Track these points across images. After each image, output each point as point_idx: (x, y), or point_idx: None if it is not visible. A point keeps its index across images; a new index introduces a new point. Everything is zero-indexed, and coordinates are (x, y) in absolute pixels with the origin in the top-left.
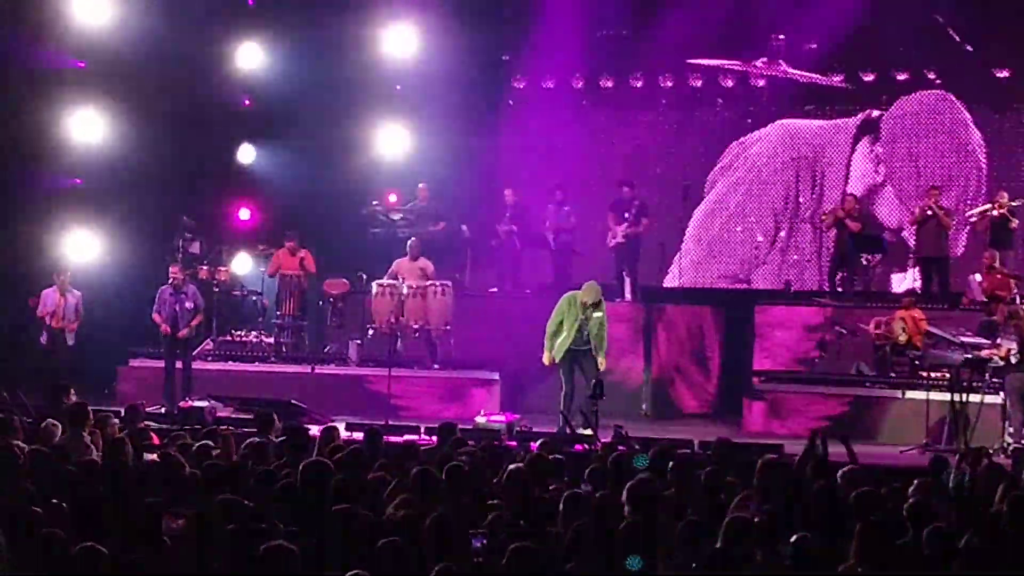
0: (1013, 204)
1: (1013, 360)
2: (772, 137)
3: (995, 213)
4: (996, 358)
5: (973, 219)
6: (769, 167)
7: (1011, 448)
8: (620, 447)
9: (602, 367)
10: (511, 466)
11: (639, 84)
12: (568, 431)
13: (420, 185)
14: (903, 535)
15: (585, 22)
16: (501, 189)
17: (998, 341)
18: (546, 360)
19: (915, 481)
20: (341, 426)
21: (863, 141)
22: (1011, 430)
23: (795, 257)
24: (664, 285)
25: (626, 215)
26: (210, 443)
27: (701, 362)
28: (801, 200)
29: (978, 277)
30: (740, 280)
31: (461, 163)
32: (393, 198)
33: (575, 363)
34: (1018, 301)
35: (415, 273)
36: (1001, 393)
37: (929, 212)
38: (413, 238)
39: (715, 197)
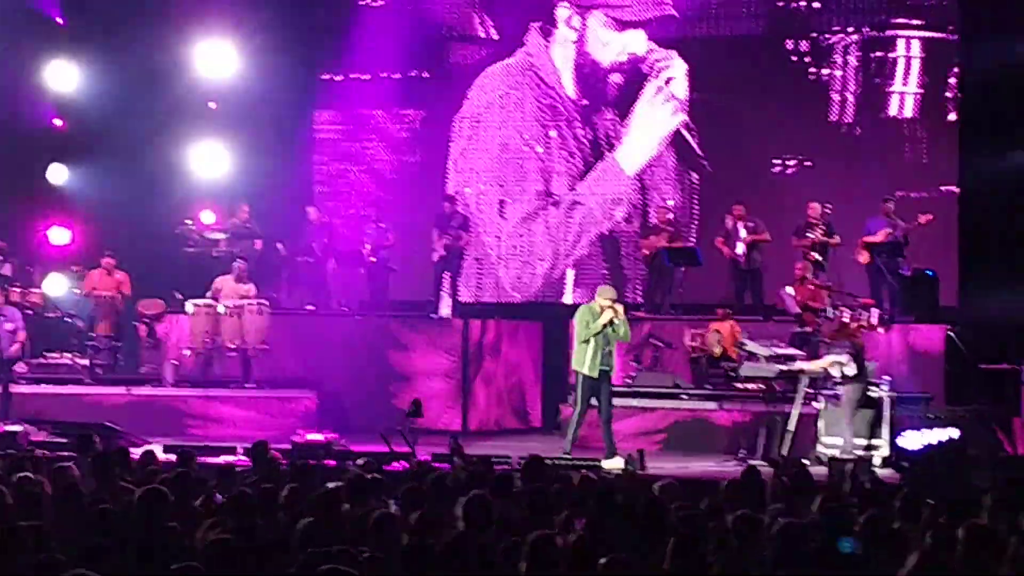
0: (827, 210)
1: (849, 373)
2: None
3: (819, 234)
4: (829, 371)
5: (803, 247)
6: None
7: (827, 458)
8: (452, 460)
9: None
10: (328, 485)
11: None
12: (389, 449)
13: (244, 206)
14: (727, 548)
15: (398, 35)
16: (317, 206)
17: (832, 355)
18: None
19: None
20: (158, 448)
21: None
22: (828, 440)
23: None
24: (482, 300)
25: (448, 230)
26: (27, 469)
27: (521, 376)
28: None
29: (790, 290)
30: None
31: (276, 180)
32: (211, 217)
33: (596, 389)
34: (830, 312)
35: (237, 293)
36: (815, 404)
37: (746, 240)
38: (241, 261)
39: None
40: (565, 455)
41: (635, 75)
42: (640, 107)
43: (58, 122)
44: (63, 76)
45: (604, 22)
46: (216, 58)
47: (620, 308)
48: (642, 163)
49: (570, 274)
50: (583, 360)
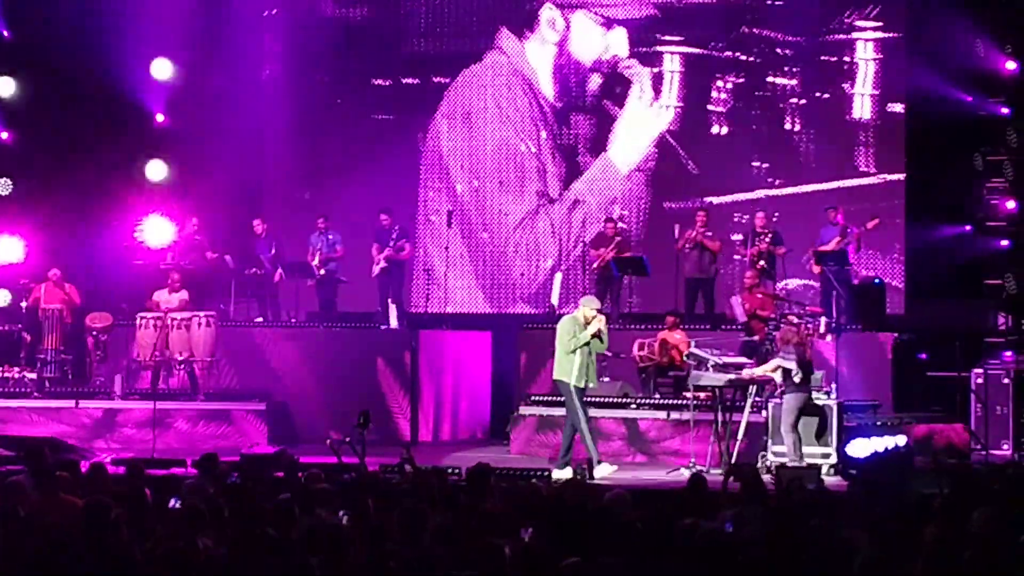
0: (773, 222)
1: (796, 380)
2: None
3: (766, 244)
4: (773, 375)
5: (745, 256)
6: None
7: (774, 466)
8: (402, 471)
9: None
10: (280, 496)
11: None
12: (337, 459)
13: (193, 218)
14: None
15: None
16: (265, 218)
17: (778, 359)
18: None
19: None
20: (106, 461)
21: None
22: (777, 449)
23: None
24: (430, 311)
25: (389, 243)
26: None
27: (470, 387)
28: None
29: (739, 299)
30: (509, 303)
31: (224, 192)
32: (160, 229)
33: (582, 397)
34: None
35: (171, 304)
36: (764, 412)
37: (695, 238)
38: (175, 272)
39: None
40: (598, 464)
41: (617, 75)
42: (629, 106)
43: (3, 135)
44: (7, 88)
45: (590, 20)
46: (161, 71)
47: (603, 318)
48: (634, 163)
49: (557, 278)
50: (569, 371)
